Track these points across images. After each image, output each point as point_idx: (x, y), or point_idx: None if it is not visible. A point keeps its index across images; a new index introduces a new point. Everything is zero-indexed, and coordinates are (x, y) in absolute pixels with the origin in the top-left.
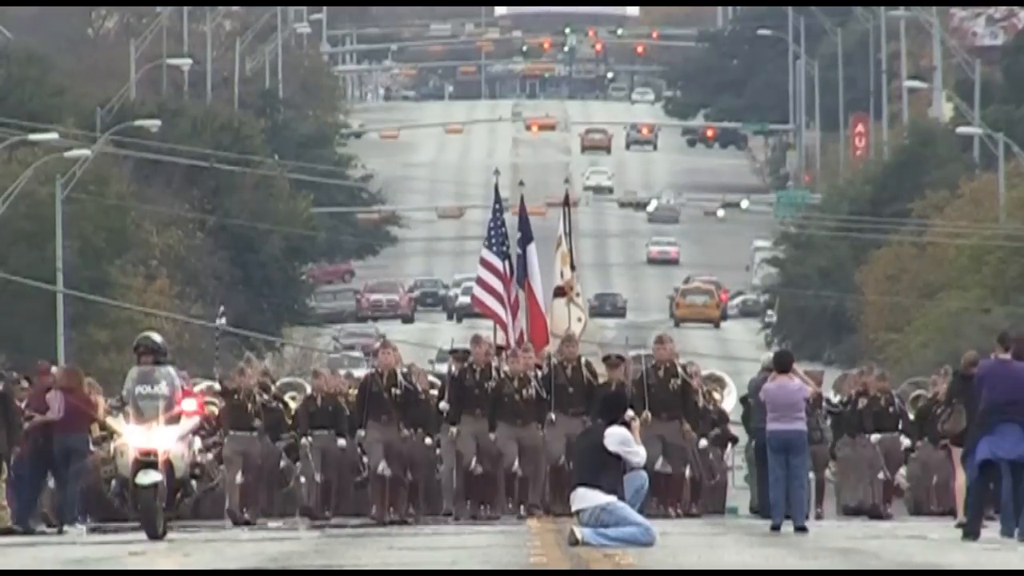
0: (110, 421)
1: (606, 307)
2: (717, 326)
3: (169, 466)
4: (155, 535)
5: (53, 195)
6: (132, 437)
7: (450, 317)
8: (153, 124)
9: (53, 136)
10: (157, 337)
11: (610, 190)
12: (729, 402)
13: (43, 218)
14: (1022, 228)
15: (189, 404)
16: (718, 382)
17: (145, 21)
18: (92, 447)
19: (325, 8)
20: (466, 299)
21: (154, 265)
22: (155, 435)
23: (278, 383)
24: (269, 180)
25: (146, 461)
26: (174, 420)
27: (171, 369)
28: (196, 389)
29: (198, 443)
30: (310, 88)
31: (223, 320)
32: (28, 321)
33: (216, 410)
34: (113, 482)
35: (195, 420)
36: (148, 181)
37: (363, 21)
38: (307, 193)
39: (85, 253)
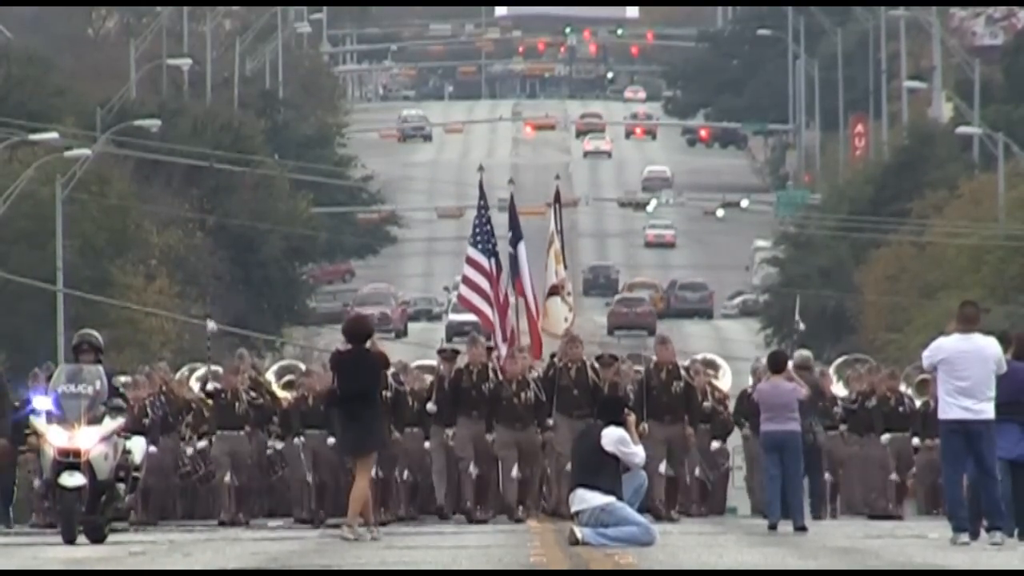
0: (33, 420)
1: (600, 279)
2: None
3: (91, 468)
4: (72, 539)
5: (53, 195)
6: (53, 437)
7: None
8: (153, 124)
9: (53, 136)
10: (96, 335)
11: (608, 155)
12: (725, 383)
13: (43, 218)
14: (1022, 228)
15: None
16: (711, 365)
17: (145, 21)
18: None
19: (325, 8)
20: (456, 317)
21: (154, 265)
22: (77, 435)
23: (275, 367)
24: (269, 180)
25: (66, 462)
26: (97, 420)
27: (100, 368)
28: (194, 376)
29: (139, 444)
30: (310, 88)
31: (212, 325)
32: (28, 321)
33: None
34: (36, 482)
35: (120, 421)
36: (148, 181)
37: (363, 21)
38: (307, 193)
39: (85, 253)
